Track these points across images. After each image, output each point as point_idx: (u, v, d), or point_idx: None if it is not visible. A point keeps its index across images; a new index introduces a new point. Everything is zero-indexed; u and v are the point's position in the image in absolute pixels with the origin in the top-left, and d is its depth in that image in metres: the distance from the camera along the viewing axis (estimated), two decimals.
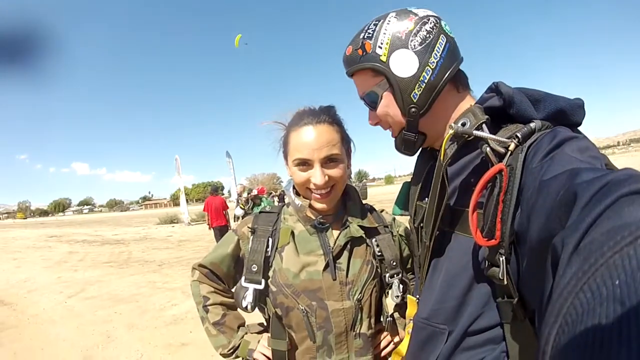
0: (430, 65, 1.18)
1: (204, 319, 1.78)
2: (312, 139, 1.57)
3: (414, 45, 1.17)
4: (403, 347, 1.44)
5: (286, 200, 1.83)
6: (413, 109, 1.21)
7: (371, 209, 1.88)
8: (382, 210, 1.92)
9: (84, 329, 6.82)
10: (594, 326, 0.40)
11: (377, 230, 1.77)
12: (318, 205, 1.64)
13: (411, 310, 1.42)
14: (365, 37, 1.22)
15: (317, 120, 1.60)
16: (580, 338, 0.41)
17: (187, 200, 38.54)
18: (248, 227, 1.76)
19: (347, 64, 1.31)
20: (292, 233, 1.69)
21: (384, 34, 1.19)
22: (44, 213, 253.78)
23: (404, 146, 1.33)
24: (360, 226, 1.69)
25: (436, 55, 1.18)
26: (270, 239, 1.70)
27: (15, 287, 10.95)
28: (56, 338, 6.42)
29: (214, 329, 1.75)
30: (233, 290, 1.84)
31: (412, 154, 1.37)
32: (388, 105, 1.26)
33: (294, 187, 1.75)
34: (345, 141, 1.69)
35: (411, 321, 1.37)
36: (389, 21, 1.20)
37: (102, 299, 8.87)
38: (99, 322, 7.14)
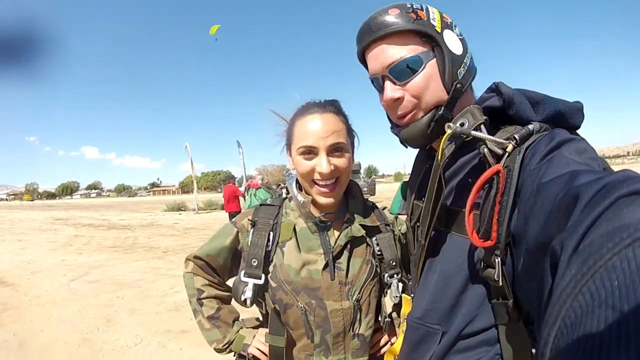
0: (469, 54, 1.21)
1: (197, 312, 1.75)
2: (318, 126, 1.53)
3: (458, 32, 1.21)
4: (397, 346, 1.43)
5: (284, 194, 1.82)
6: (459, 85, 1.18)
7: (373, 206, 1.84)
8: (384, 208, 1.88)
9: (85, 312, 6.89)
10: (593, 328, 0.40)
11: (379, 228, 1.74)
12: (322, 200, 1.58)
13: (406, 309, 1.43)
14: (416, 8, 1.18)
15: (323, 110, 1.57)
16: (579, 340, 0.41)
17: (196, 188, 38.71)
18: (248, 219, 1.71)
19: (388, 24, 1.16)
20: (294, 228, 1.66)
21: (433, 12, 1.19)
22: (51, 196, 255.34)
23: (431, 127, 1.20)
24: (361, 225, 1.66)
25: (468, 49, 1.21)
26: (271, 233, 1.66)
27: (19, 268, 11.08)
28: (57, 320, 6.49)
29: (208, 322, 1.72)
30: (227, 282, 1.83)
31: (428, 143, 1.29)
32: (431, 76, 1.17)
33: (296, 182, 1.72)
34: (350, 133, 1.65)
35: (405, 320, 1.37)
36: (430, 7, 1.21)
37: (105, 283, 8.95)
38: (101, 306, 7.21)
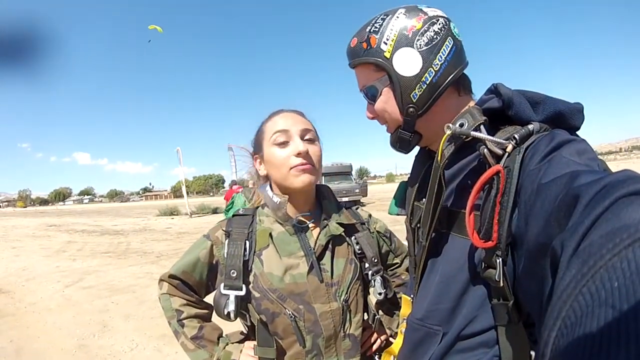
0: (434, 67, 1.16)
1: (178, 333, 1.67)
2: (287, 117, 1.63)
3: (420, 45, 1.16)
4: (396, 347, 1.43)
5: (254, 199, 1.81)
6: (411, 109, 1.20)
7: (347, 207, 1.85)
8: (357, 208, 1.90)
9: (80, 318, 6.86)
10: (593, 328, 0.40)
11: (355, 227, 1.75)
12: (302, 178, 1.56)
13: (405, 309, 1.43)
14: (372, 30, 1.20)
15: (290, 110, 1.68)
16: (579, 340, 0.41)
17: (187, 193, 38.53)
18: (222, 229, 1.69)
19: (350, 55, 1.29)
20: (270, 235, 1.63)
21: (391, 29, 1.17)
22: (44, 202, 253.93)
23: (398, 144, 1.32)
24: (338, 223, 1.67)
25: (441, 57, 1.17)
26: (247, 242, 1.62)
27: (13, 275, 11.00)
28: (53, 326, 6.46)
29: (192, 343, 1.64)
30: (204, 299, 1.78)
31: (406, 152, 1.36)
32: (387, 101, 1.25)
33: (270, 186, 1.71)
34: (317, 134, 1.71)
35: (405, 321, 1.37)
36: (397, 17, 1.18)
37: (100, 289, 8.90)
38: (96, 312, 7.18)
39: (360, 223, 1.78)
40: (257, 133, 1.70)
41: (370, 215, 1.88)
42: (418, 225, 1.33)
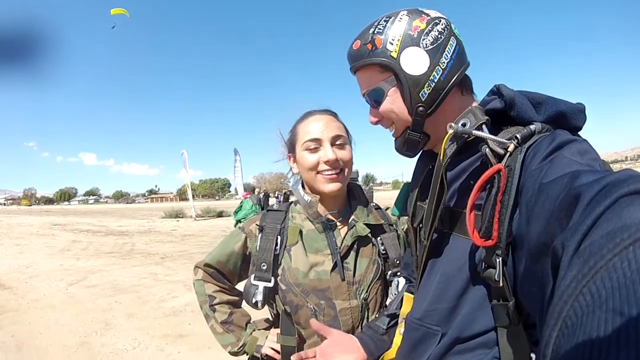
0: (441, 66, 1.17)
1: (209, 317, 1.80)
2: (320, 122, 1.65)
3: (426, 44, 1.16)
4: (395, 346, 1.43)
5: (292, 199, 1.85)
6: (421, 108, 1.20)
7: (376, 207, 1.89)
8: (387, 209, 1.93)
9: (83, 315, 6.87)
10: (594, 329, 0.40)
11: (383, 228, 1.79)
12: (330, 186, 1.65)
13: (406, 307, 1.43)
14: (376, 32, 1.20)
15: (323, 112, 1.71)
16: (580, 341, 0.41)
17: (193, 196, 38.48)
18: (256, 224, 1.78)
19: (353, 58, 1.29)
20: (300, 232, 1.70)
21: (396, 30, 1.18)
22: (49, 201, 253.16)
23: (406, 146, 1.31)
24: (366, 224, 1.71)
25: (447, 56, 1.17)
26: (279, 237, 1.71)
27: (17, 272, 11.04)
28: (55, 323, 6.48)
29: (221, 327, 1.77)
30: (236, 286, 1.89)
31: (413, 155, 1.36)
32: (394, 102, 1.24)
33: (302, 185, 1.78)
34: (348, 134, 1.74)
35: (403, 320, 1.38)
36: (401, 19, 1.19)
37: (103, 288, 8.91)
38: (99, 310, 7.19)
39: (388, 224, 1.82)
40: (291, 133, 1.77)
41: (399, 217, 1.89)
42: (420, 225, 1.33)
